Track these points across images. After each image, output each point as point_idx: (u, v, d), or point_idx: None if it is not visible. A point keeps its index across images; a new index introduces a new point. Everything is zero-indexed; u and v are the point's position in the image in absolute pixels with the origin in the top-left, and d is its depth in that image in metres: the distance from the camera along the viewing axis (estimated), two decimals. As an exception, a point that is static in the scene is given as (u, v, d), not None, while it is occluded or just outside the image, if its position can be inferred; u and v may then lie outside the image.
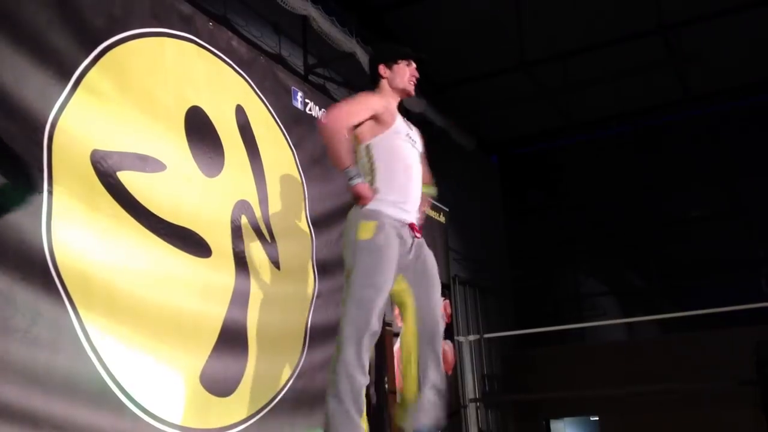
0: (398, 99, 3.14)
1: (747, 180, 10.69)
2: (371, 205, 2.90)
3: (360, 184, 2.89)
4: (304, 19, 6.13)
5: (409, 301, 2.99)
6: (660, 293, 12.61)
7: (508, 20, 7.60)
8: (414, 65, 3.13)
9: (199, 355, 3.52)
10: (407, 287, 2.98)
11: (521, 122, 10.04)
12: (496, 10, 7.65)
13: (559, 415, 9.34)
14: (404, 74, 3.07)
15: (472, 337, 7.23)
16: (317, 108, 4.83)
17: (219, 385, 3.60)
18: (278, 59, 6.63)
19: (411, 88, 3.12)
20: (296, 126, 4.60)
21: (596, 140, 10.49)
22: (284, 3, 5.60)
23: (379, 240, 2.84)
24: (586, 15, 7.87)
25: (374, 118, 2.99)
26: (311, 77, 7.00)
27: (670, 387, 7.16)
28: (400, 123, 3.07)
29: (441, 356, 2.98)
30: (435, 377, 2.93)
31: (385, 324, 4.31)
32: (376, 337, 2.86)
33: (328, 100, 5.09)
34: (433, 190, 3.26)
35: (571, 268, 11.59)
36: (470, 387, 6.74)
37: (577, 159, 10.85)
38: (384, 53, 3.17)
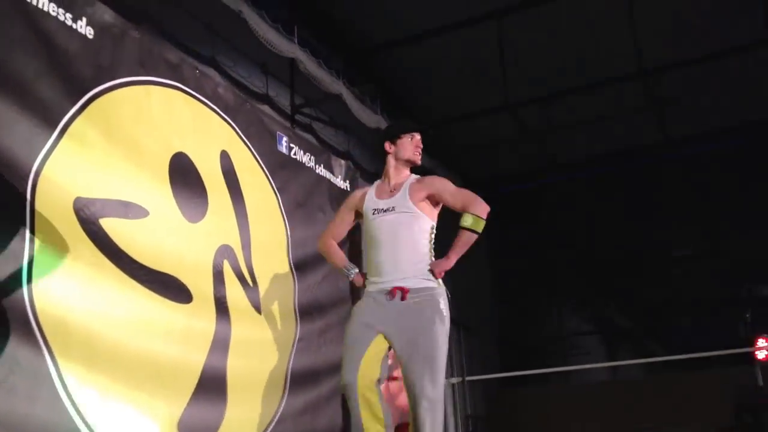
0: (407, 167, 3.32)
1: (727, 221, 10.85)
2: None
3: (355, 276, 3.29)
4: (292, 61, 6.23)
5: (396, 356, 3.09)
6: (644, 332, 12.68)
7: (492, 63, 7.74)
8: (418, 136, 3.32)
9: (177, 403, 3.51)
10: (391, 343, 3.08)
11: (506, 161, 10.17)
12: (481, 54, 7.79)
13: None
14: (408, 147, 3.27)
15: (454, 380, 7.22)
16: (302, 152, 4.89)
17: (197, 432, 3.58)
18: (266, 99, 6.72)
19: (416, 158, 3.32)
20: (281, 170, 4.65)
21: (580, 180, 10.63)
22: (272, 46, 5.70)
23: (354, 309, 3.21)
24: (569, 60, 8.04)
25: (356, 213, 3.35)
26: (298, 117, 7.08)
27: (652, 429, 7.18)
28: (370, 203, 3.26)
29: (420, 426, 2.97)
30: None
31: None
32: (347, 390, 3.00)
33: (313, 145, 5.14)
34: (468, 220, 3.14)
35: (555, 307, 11.66)
36: (452, 430, 6.72)
37: (561, 199, 10.97)
38: (388, 131, 3.41)
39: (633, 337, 13.02)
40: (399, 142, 3.28)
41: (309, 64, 6.24)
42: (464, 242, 3.15)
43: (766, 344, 5.69)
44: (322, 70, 6.46)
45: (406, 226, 3.15)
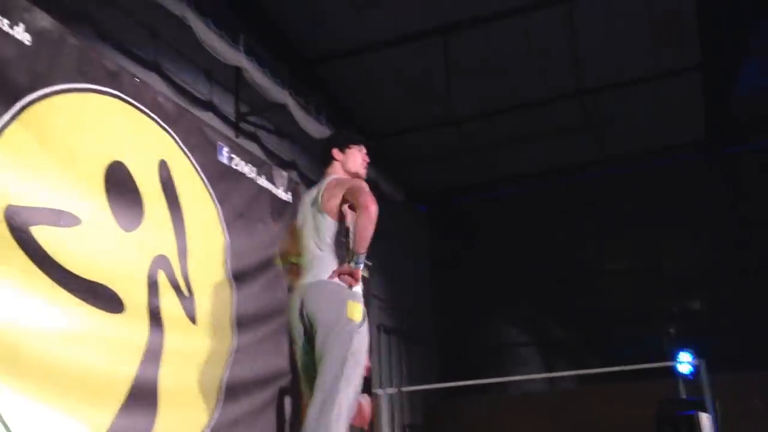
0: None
1: (660, 237, 11.25)
2: (356, 288, 3.00)
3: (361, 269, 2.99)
4: (237, 69, 6.20)
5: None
6: (578, 343, 13.02)
7: (437, 77, 7.88)
8: (365, 150, 3.32)
9: (106, 413, 3.48)
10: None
11: (450, 174, 10.32)
12: (427, 67, 7.92)
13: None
14: (356, 158, 3.27)
15: (390, 390, 7.30)
16: (243, 163, 4.90)
17: (127, 443, 3.55)
18: (209, 106, 6.68)
19: (363, 172, 3.31)
20: (221, 181, 4.65)
21: (520, 195, 10.88)
22: (216, 54, 5.67)
23: (366, 324, 2.99)
24: (512, 76, 8.24)
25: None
26: (242, 125, 7.05)
27: None
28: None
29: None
30: None
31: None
32: None
33: (255, 156, 5.15)
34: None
35: (494, 318, 11.86)
36: (386, 440, 6.80)
37: (501, 211, 11.20)
38: (337, 138, 3.37)
39: (568, 349, 13.35)
40: (348, 151, 3.27)
41: (254, 72, 6.23)
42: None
43: (687, 359, 5.94)
44: (268, 79, 6.45)
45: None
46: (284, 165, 7.60)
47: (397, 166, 9.15)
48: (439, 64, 7.64)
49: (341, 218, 3.06)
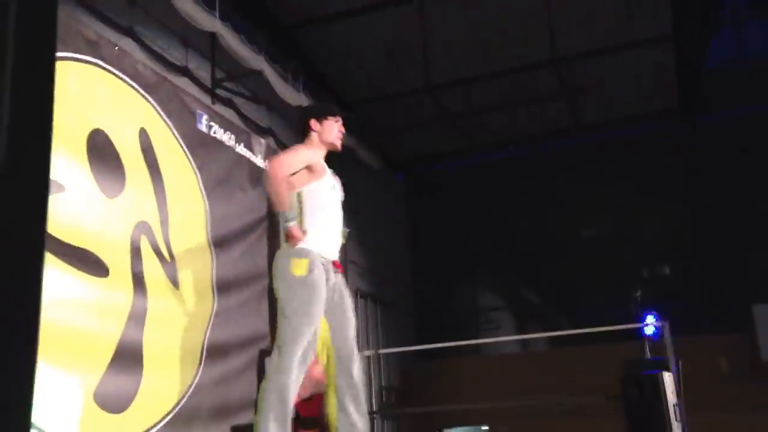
0: (325, 151, 3.46)
1: (632, 203, 11.51)
2: (301, 245, 3.18)
3: (294, 225, 3.19)
4: (213, 35, 6.21)
5: (327, 335, 3.25)
6: (551, 308, 13.36)
7: (414, 45, 7.94)
8: (341, 121, 3.45)
9: (93, 373, 3.61)
10: (324, 321, 3.25)
11: (427, 142, 10.42)
12: (404, 35, 7.97)
13: (451, 425, 9.75)
14: (333, 129, 3.40)
15: (368, 353, 7.49)
16: (222, 131, 4.97)
17: (112, 402, 3.69)
18: (185, 72, 6.68)
19: (338, 144, 3.47)
20: (200, 148, 4.73)
21: (497, 162, 11.03)
22: (191, 20, 5.68)
23: (314, 276, 3.15)
24: (488, 45, 8.32)
25: (308, 168, 3.32)
26: (219, 91, 7.06)
27: (552, 399, 7.69)
28: (328, 175, 3.40)
29: (360, 387, 3.27)
30: (352, 408, 3.22)
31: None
32: (306, 367, 3.12)
33: (233, 124, 5.21)
34: (346, 232, 3.50)
35: (470, 283, 12.11)
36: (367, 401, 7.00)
37: (478, 179, 11.36)
38: (315, 110, 3.54)
39: (541, 313, 13.70)
40: (326, 123, 3.39)
41: (230, 39, 6.23)
42: None
43: (652, 321, 6.19)
44: (244, 45, 6.46)
45: (341, 213, 3.45)
46: (261, 131, 7.63)
47: (375, 133, 9.22)
48: (416, 32, 7.69)
49: (292, 189, 3.28)
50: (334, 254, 3.32)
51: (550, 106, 9.17)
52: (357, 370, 3.28)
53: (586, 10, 7.80)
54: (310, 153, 3.36)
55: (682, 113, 9.88)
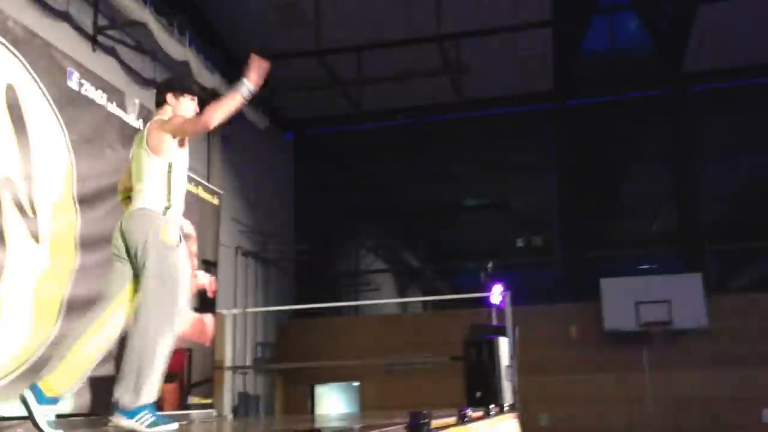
0: None
1: (509, 177, 12.18)
2: (167, 212, 3.15)
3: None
4: (96, -22, 6.09)
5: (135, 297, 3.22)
6: (429, 273, 14.02)
7: (308, 6, 8.07)
8: (196, 101, 3.41)
9: (-56, 325, 3.67)
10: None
11: (317, 105, 10.61)
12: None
13: (325, 381, 10.24)
14: (188, 108, 3.36)
15: (235, 311, 7.74)
16: (94, 89, 5.00)
17: (-36, 353, 3.77)
18: (66, 17, 6.53)
19: None
20: (69, 106, 4.75)
21: (384, 129, 11.38)
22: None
23: (182, 247, 3.16)
24: (378, 14, 8.58)
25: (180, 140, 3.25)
26: (100, 38, 6.92)
27: (408, 360, 8.48)
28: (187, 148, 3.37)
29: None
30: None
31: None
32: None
33: (105, 82, 5.24)
34: None
35: (353, 245, 12.52)
36: (229, 356, 7.28)
37: (365, 144, 11.68)
38: (173, 84, 3.45)
39: (420, 277, 14.35)
40: (182, 99, 3.33)
41: (114, -13, 6.16)
42: None
43: (499, 290, 6.75)
44: (129, -6, 6.39)
45: None
46: (145, 83, 7.57)
47: (263, 92, 9.30)
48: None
49: (163, 154, 3.21)
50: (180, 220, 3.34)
51: (435, 81, 9.55)
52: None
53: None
54: None
55: (557, 95, 10.51)
